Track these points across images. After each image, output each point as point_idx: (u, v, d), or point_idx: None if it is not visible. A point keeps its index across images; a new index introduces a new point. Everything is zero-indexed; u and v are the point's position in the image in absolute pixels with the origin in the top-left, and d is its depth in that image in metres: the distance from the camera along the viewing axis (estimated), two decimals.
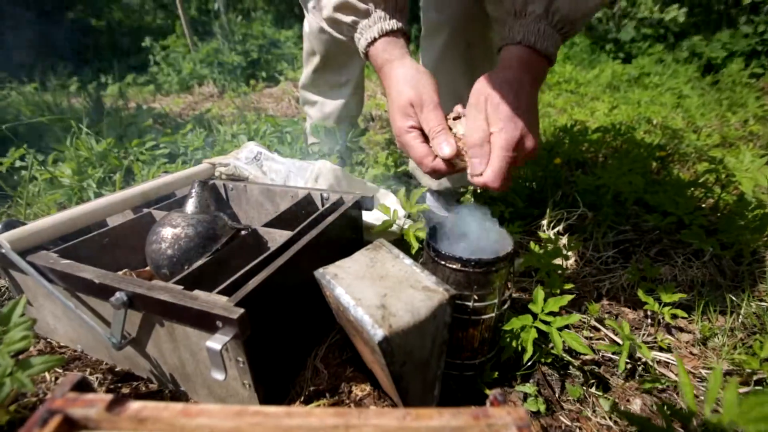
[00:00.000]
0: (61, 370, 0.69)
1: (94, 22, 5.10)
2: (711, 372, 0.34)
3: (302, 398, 0.63)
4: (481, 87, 0.59)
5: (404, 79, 0.64)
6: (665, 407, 0.41)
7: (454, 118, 0.63)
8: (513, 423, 0.30)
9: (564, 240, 1.09)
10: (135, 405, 0.33)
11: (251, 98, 3.16)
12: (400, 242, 0.86)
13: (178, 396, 0.66)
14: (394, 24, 0.66)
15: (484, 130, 0.57)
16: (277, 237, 0.72)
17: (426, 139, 0.63)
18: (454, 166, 0.61)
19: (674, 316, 0.81)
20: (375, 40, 0.66)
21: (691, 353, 0.80)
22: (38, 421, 0.33)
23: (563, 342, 0.65)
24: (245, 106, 2.90)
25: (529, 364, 0.70)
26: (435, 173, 0.62)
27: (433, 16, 1.07)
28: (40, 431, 0.32)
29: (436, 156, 0.61)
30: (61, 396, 0.34)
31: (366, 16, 0.66)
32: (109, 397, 0.33)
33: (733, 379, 0.38)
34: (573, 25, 0.60)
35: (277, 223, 0.77)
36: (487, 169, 0.57)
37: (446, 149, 0.59)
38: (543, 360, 0.73)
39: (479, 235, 0.66)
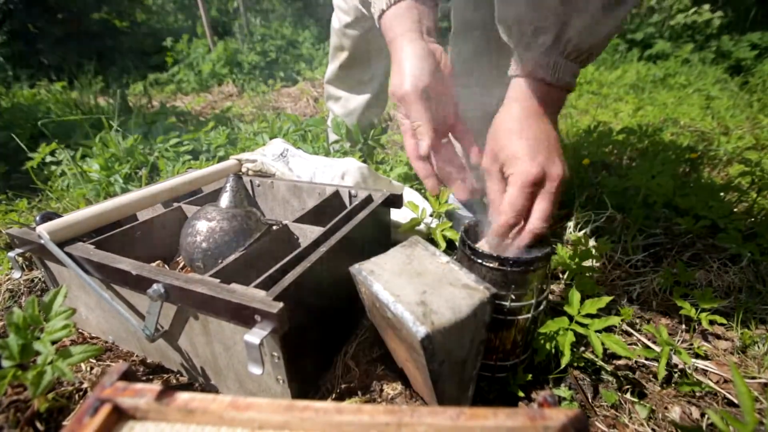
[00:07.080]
0: (95, 361, 0.70)
1: (117, 22, 5.22)
2: None
3: (333, 396, 0.62)
4: (490, 143, 0.58)
5: (416, 56, 0.60)
6: (719, 415, 0.39)
7: None
8: (571, 425, 0.29)
9: (593, 242, 1.07)
10: (184, 396, 0.33)
11: (270, 97, 3.18)
12: (428, 241, 0.85)
13: (209, 390, 0.66)
14: None
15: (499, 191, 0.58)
16: (308, 233, 0.72)
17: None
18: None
19: (712, 323, 0.78)
20: (383, 12, 0.62)
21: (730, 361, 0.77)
22: (89, 410, 0.33)
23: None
24: (264, 105, 2.93)
25: (561, 367, 0.68)
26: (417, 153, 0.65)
27: (467, 15, 1.04)
28: (90, 420, 0.32)
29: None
30: (110, 385, 0.34)
31: None
32: (159, 387, 0.33)
33: None
34: (588, 54, 0.56)
35: (307, 219, 0.77)
36: (504, 206, 0.56)
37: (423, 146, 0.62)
38: (576, 364, 0.71)
39: None
